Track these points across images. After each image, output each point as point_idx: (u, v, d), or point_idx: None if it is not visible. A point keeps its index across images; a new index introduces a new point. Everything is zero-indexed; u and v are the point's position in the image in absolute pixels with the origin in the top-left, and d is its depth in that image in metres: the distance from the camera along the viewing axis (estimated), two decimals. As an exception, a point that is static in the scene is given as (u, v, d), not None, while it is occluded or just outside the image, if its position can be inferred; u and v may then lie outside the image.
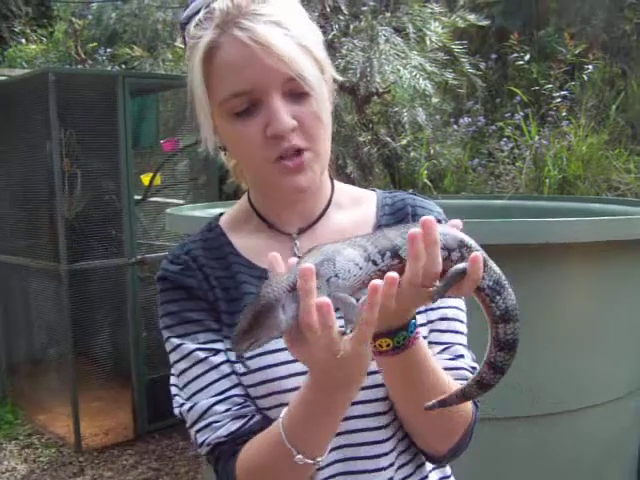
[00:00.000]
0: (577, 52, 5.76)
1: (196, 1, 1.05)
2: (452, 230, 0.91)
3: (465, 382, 0.98)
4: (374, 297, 0.83)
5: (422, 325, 1.09)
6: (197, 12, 1.04)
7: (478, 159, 5.35)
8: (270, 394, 1.05)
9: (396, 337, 0.94)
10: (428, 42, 4.51)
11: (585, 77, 5.61)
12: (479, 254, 0.87)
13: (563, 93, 5.40)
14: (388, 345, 0.94)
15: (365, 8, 4.48)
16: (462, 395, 0.96)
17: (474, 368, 1.12)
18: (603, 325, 2.60)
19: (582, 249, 2.47)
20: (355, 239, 0.92)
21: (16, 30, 9.44)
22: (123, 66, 7.28)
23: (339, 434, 1.03)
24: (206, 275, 1.11)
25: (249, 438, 1.03)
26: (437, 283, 0.88)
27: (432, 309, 1.13)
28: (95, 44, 7.79)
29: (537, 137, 4.87)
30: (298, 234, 1.14)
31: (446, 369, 1.08)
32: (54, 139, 3.94)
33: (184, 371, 1.09)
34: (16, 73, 5.35)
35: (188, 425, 1.09)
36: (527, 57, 5.92)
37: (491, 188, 5.03)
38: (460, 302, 1.16)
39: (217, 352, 1.07)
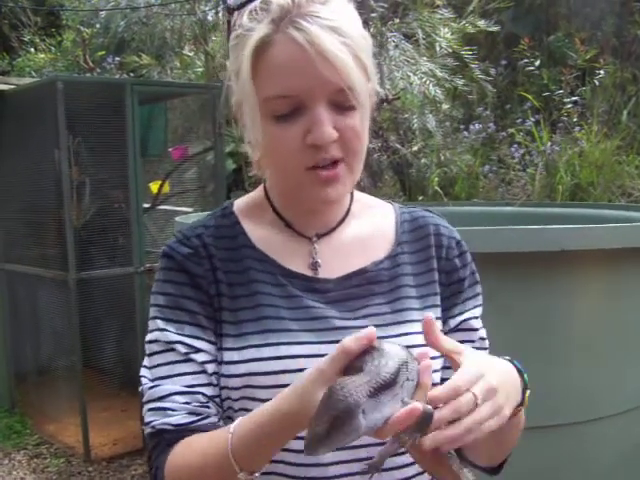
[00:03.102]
0: (588, 57, 5.73)
1: None
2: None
3: None
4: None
5: (433, 358, 1.07)
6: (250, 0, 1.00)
7: (489, 166, 5.32)
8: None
9: None
10: (438, 48, 4.50)
11: (596, 82, 5.58)
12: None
13: (574, 98, 5.37)
14: None
15: (374, 14, 4.46)
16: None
17: None
18: (618, 333, 2.56)
19: (597, 256, 2.44)
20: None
21: (25, 39, 9.47)
22: (131, 74, 7.29)
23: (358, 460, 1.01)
24: (214, 267, 1.07)
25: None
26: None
27: (474, 329, 1.14)
28: (103, 52, 7.80)
29: (549, 143, 4.84)
30: (317, 238, 1.11)
31: None
32: (62, 147, 3.92)
33: (158, 353, 1.06)
34: (24, 82, 5.34)
35: (144, 401, 1.07)
36: (537, 63, 5.89)
37: (502, 195, 5.00)
38: (484, 332, 1.16)
39: (198, 350, 1.04)
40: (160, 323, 1.06)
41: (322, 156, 0.98)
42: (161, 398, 1.04)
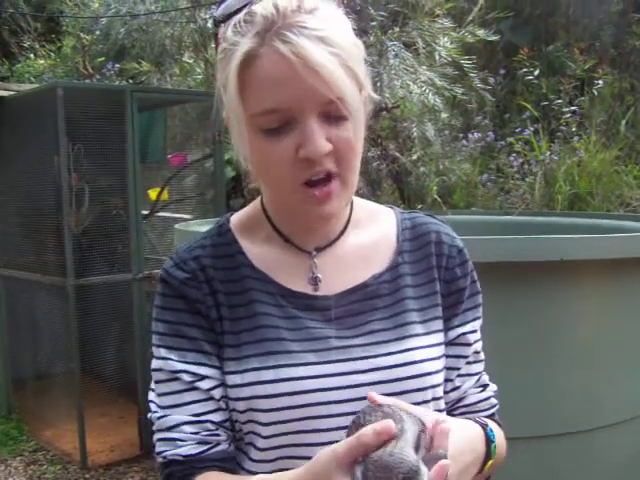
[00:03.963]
0: (586, 67, 5.76)
1: None
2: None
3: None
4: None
5: (437, 372, 1.07)
6: (236, 12, 0.97)
7: (487, 174, 5.33)
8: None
9: None
10: (437, 57, 4.51)
11: (595, 92, 5.59)
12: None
13: (573, 108, 5.38)
14: None
15: (374, 23, 4.47)
16: None
17: (495, 391, 1.17)
18: (618, 342, 2.56)
19: (597, 266, 2.44)
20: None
21: (25, 45, 9.48)
22: (131, 81, 7.29)
23: None
24: (213, 290, 1.05)
25: (206, 465, 1.01)
26: None
27: (468, 344, 1.13)
28: (103, 59, 7.80)
29: (548, 153, 4.85)
30: (316, 252, 1.09)
31: (479, 402, 1.14)
32: (62, 154, 3.92)
33: (164, 382, 1.05)
34: (24, 88, 5.35)
35: (154, 429, 1.06)
36: (536, 72, 5.91)
37: (500, 204, 5.00)
38: (480, 345, 1.16)
39: (203, 378, 1.03)
40: (163, 352, 1.05)
41: (315, 170, 0.95)
42: (170, 428, 1.03)
